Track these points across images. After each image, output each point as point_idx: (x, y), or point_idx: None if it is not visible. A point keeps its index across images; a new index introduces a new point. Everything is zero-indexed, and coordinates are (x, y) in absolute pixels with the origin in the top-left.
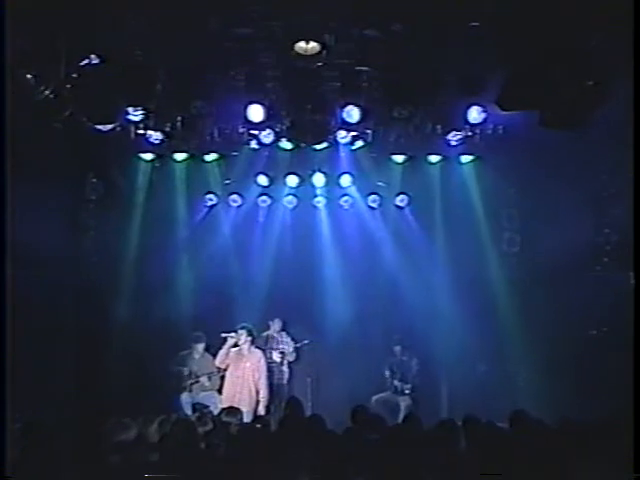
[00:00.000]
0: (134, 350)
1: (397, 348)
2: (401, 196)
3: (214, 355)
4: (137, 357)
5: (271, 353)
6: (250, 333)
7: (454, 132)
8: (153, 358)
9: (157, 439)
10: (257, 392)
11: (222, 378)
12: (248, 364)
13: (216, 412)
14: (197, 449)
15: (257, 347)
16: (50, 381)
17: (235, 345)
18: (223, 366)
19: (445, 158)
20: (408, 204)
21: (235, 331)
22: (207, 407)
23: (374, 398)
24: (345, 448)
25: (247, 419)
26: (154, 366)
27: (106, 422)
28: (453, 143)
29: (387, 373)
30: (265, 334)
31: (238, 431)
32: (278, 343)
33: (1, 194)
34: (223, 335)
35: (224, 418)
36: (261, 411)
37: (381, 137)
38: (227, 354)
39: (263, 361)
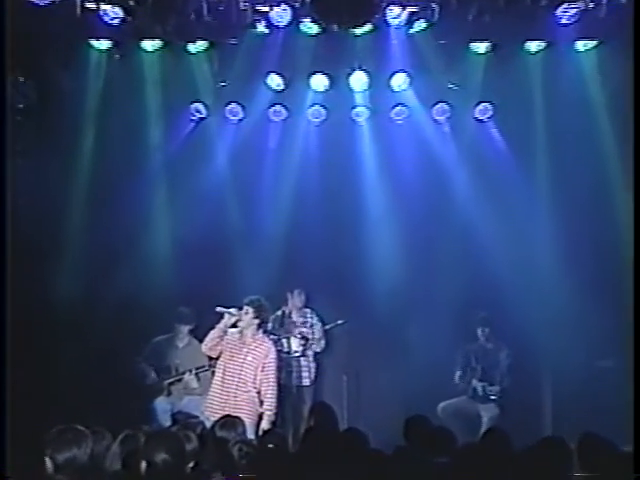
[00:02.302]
0: (87, 336)
1: (480, 332)
2: (483, 104)
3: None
4: (91, 345)
5: (288, 340)
6: (259, 311)
7: (566, 4)
8: (115, 347)
9: (119, 464)
10: (260, 401)
11: (214, 374)
12: (250, 358)
13: (208, 424)
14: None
15: (267, 332)
16: None
17: (234, 326)
18: (214, 354)
19: (551, 45)
20: (492, 116)
21: (240, 307)
22: (194, 417)
23: (441, 405)
24: (397, 475)
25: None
26: (116, 358)
27: (45, 434)
28: (564, 21)
29: (462, 369)
30: (280, 312)
31: (239, 452)
32: (299, 325)
33: None
34: (219, 310)
35: (219, 433)
36: (265, 427)
37: (453, 14)
38: (221, 337)
39: (273, 355)
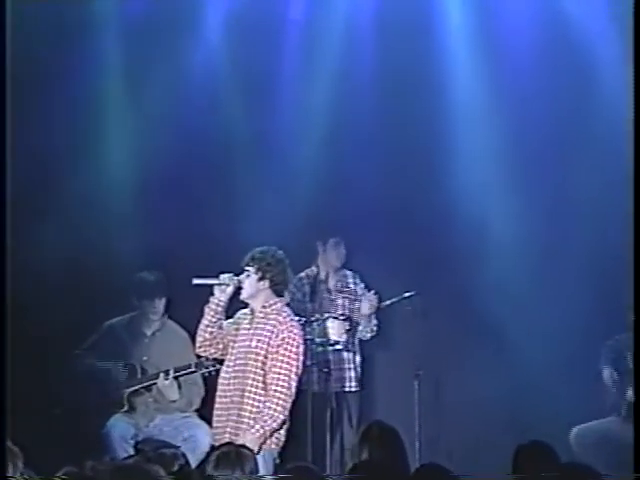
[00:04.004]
0: (4, 318)
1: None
2: None
3: (191, 332)
4: (10, 333)
5: (323, 324)
6: (266, 270)
7: None
8: (46, 334)
9: None
10: (277, 417)
11: (214, 375)
12: (254, 342)
13: (194, 458)
14: None
15: (290, 308)
16: None
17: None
18: (214, 352)
19: None
20: None
21: (238, 273)
22: (171, 447)
23: (576, 430)
24: None
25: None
26: (49, 352)
27: None
28: None
29: (608, 375)
30: (305, 275)
31: None
32: (337, 296)
33: None
34: (197, 282)
35: (214, 472)
36: (250, 443)
37: None
38: (216, 323)
39: (288, 334)
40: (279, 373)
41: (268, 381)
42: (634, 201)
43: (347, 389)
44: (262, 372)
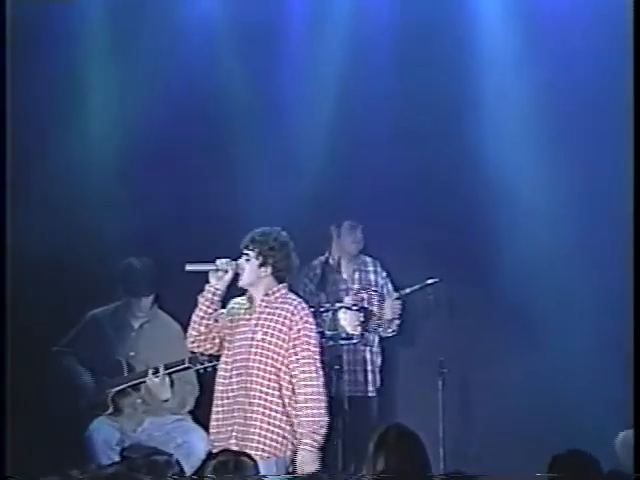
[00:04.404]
0: None
1: None
2: None
3: (184, 323)
4: None
5: (335, 315)
6: (267, 254)
7: None
8: (21, 328)
9: None
10: (289, 420)
11: (210, 372)
12: (260, 335)
13: (189, 465)
14: None
15: (294, 293)
16: None
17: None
18: (209, 347)
19: None
20: None
21: (235, 258)
22: (163, 454)
23: (623, 435)
24: None
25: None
26: (23, 349)
27: None
28: None
29: None
30: (317, 262)
31: None
32: (353, 286)
33: None
34: (190, 268)
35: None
36: (306, 469)
37: None
38: (211, 315)
39: (305, 324)
40: (309, 371)
41: (302, 375)
42: (634, 198)
43: (364, 394)
44: (273, 369)
